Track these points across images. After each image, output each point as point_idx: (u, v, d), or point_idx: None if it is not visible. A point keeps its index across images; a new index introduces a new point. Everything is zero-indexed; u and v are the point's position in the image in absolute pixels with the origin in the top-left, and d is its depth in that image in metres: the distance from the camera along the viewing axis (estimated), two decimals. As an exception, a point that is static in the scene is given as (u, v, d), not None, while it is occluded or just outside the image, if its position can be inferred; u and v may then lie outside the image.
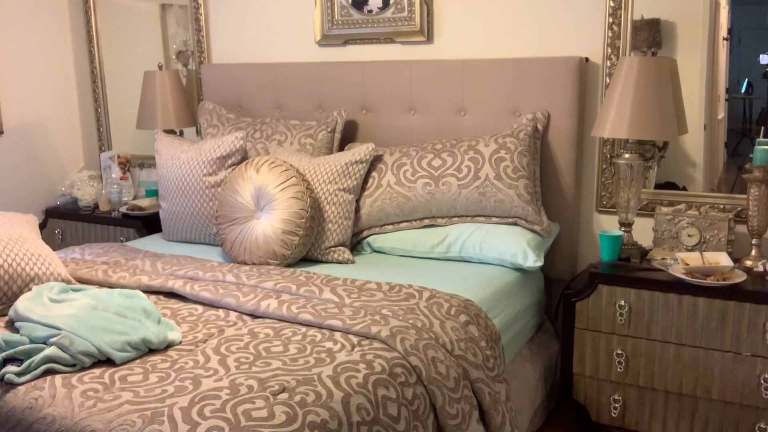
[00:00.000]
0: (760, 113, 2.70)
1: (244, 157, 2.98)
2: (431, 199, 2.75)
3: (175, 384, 1.67)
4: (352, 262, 2.71)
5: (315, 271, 2.54)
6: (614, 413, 2.55)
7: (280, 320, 2.08)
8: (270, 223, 2.65)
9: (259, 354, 1.85)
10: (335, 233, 2.72)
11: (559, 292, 2.74)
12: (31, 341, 1.84)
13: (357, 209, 2.82)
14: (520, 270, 2.63)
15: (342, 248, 2.73)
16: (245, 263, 2.65)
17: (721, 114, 2.76)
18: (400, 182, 2.78)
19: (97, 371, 1.75)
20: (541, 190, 2.82)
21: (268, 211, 2.68)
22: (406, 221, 2.82)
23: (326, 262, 2.72)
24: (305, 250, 2.70)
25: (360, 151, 2.82)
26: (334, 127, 3.13)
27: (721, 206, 2.65)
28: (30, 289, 2.21)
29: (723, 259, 2.44)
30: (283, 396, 1.60)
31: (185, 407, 1.54)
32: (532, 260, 2.57)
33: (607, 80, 2.77)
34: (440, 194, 2.73)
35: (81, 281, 2.48)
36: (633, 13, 2.70)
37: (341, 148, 3.14)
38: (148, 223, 3.47)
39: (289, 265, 2.65)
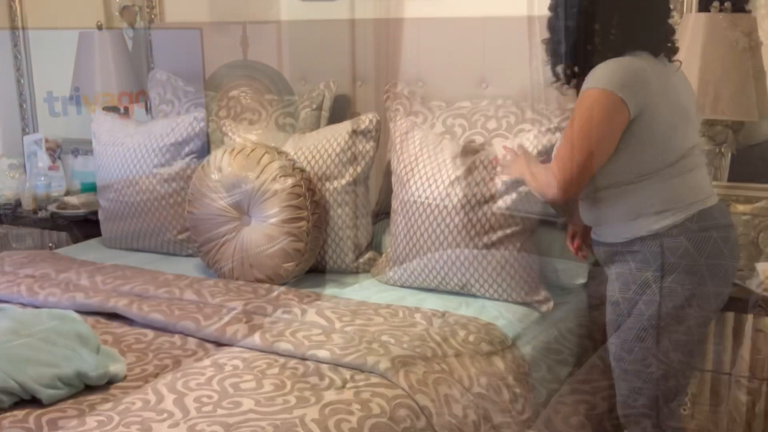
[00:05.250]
0: None
1: (205, 144, 2.97)
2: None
3: (118, 430, 1.68)
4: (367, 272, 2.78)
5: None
6: None
7: (252, 349, 2.09)
8: (261, 229, 2.66)
9: (225, 392, 1.85)
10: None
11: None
12: (-64, 376, 1.85)
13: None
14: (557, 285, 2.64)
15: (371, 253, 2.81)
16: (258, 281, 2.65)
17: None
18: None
19: (19, 413, 1.75)
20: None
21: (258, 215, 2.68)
22: None
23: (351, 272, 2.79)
24: (313, 258, 2.73)
25: (364, 120, 2.83)
26: (321, 104, 3.13)
27: (814, 204, 2.66)
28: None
29: (816, 273, 2.44)
30: (256, 445, 1.61)
31: (131, 460, 1.56)
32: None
33: (668, 44, 2.76)
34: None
35: (-1, 299, 2.49)
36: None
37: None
38: (84, 226, 3.48)
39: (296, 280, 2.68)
